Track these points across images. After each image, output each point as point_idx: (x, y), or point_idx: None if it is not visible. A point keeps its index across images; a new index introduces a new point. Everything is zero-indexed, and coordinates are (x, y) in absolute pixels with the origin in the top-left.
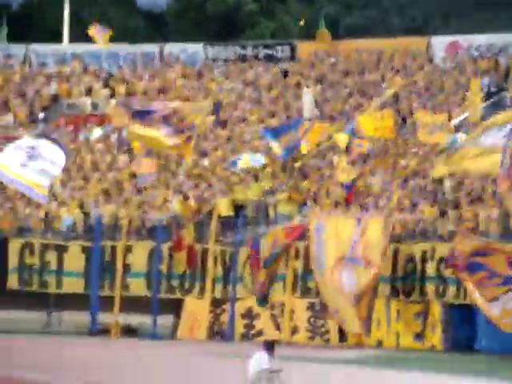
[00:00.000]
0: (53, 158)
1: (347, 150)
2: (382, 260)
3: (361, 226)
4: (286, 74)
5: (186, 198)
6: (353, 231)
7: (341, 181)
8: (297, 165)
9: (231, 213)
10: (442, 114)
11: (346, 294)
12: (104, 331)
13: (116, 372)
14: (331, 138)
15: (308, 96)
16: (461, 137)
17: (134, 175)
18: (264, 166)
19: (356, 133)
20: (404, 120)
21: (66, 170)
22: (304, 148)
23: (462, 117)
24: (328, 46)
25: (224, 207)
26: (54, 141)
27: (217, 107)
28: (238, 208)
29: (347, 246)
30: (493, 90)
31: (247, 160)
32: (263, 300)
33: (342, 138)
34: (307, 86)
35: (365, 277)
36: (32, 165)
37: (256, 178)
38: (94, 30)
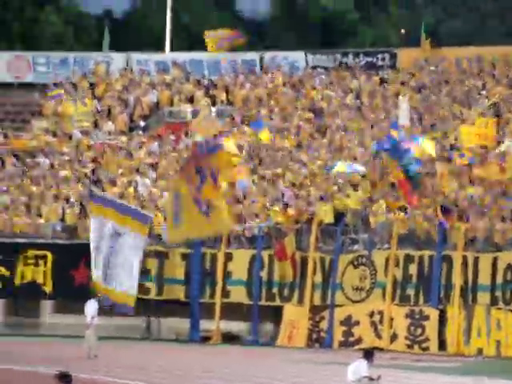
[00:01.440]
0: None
1: (449, 160)
2: None
3: None
4: (386, 81)
5: (286, 206)
6: None
7: (443, 190)
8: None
9: (332, 220)
10: None
11: None
12: (204, 338)
13: (215, 379)
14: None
15: (403, 104)
16: None
17: (232, 183)
18: (362, 175)
19: (457, 143)
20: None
21: (166, 176)
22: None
23: None
24: (429, 53)
25: (326, 215)
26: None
27: (317, 115)
28: (338, 216)
29: None
30: None
31: (343, 166)
32: None
33: (430, 146)
34: (403, 95)
35: None
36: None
37: (355, 187)
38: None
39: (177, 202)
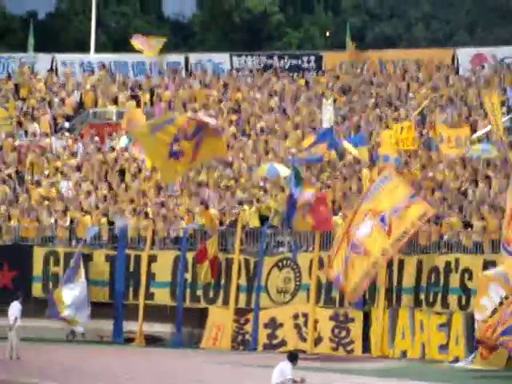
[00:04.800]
0: None
1: (373, 162)
2: (388, 251)
3: (407, 201)
4: (311, 84)
5: (208, 208)
6: (401, 200)
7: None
8: (325, 175)
9: (258, 223)
10: (465, 127)
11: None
12: (128, 340)
13: (139, 381)
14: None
15: (327, 107)
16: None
17: (159, 185)
18: (283, 177)
19: (378, 146)
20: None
21: (90, 179)
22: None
23: (485, 130)
24: (356, 57)
25: (252, 218)
26: None
27: (242, 117)
28: (263, 218)
29: (389, 207)
30: None
31: (264, 170)
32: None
33: (363, 152)
34: (325, 97)
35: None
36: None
37: (282, 189)
38: (139, 42)
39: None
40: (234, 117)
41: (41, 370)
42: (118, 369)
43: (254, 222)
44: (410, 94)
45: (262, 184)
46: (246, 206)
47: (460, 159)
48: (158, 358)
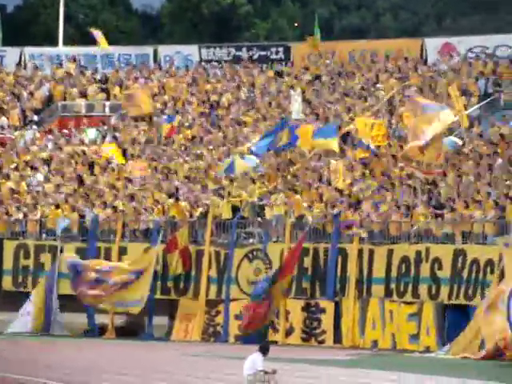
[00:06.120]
0: None
1: (343, 153)
2: None
3: None
4: (280, 75)
5: (178, 199)
6: None
7: (337, 185)
8: (295, 167)
9: (230, 215)
10: None
11: None
12: (99, 332)
13: (107, 372)
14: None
15: (296, 98)
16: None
17: (128, 178)
18: (257, 167)
19: (351, 138)
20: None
21: (59, 172)
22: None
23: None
24: (318, 51)
25: (224, 210)
26: None
27: (212, 109)
28: (234, 209)
29: None
30: (489, 91)
31: (241, 164)
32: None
33: (334, 143)
34: (293, 88)
35: None
36: None
37: (253, 181)
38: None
39: None
40: (203, 109)
41: (19, 364)
42: (92, 361)
43: (226, 214)
44: (378, 85)
45: (234, 176)
46: (217, 199)
47: None
48: (130, 351)
